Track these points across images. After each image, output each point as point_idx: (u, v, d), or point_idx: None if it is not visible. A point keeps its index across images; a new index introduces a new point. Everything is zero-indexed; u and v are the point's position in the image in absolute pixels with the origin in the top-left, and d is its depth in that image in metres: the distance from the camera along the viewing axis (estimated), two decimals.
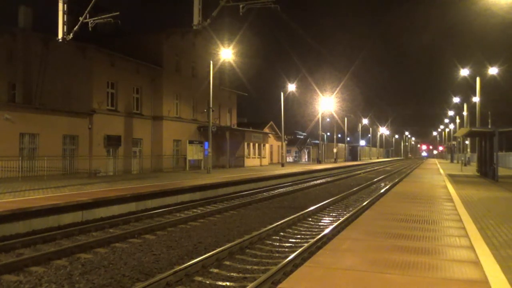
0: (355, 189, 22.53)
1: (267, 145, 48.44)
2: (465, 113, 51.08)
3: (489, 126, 43.26)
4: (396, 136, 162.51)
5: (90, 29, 16.68)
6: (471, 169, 35.50)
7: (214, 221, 13.01)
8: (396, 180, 28.09)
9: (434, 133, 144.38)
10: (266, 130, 51.11)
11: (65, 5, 15.44)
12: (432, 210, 10.46)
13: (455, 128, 68.52)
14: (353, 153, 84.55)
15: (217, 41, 30.88)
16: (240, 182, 22.57)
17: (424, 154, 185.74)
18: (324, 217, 13.98)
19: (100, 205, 13.53)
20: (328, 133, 79.00)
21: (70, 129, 25.60)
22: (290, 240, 10.39)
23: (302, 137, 72.86)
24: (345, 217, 13.01)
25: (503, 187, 17.85)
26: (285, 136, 48.86)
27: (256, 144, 44.81)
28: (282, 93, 44.17)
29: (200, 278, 7.24)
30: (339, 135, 74.96)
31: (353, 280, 4.83)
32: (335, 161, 65.11)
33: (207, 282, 7.07)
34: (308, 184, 26.39)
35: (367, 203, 15.85)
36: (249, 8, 18.05)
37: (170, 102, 34.10)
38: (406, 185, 19.36)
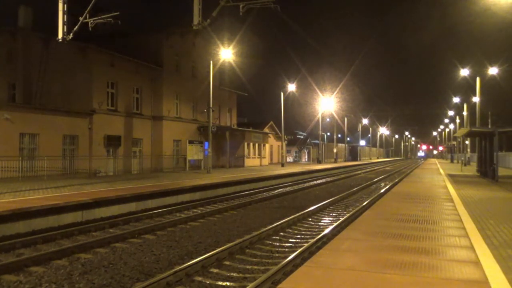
0: (355, 189, 22.53)
1: (267, 145, 48.43)
2: (465, 113, 51.09)
3: (489, 126, 43.29)
4: (396, 136, 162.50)
5: (90, 29, 16.68)
6: (471, 169, 35.49)
7: (214, 221, 13.01)
8: (396, 180, 28.09)
9: (434, 133, 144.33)
10: (266, 130, 51.11)
11: (65, 5, 15.43)
12: (432, 210, 10.46)
13: (455, 128, 68.54)
14: (353, 153, 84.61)
15: (217, 41, 30.87)
16: (240, 182, 22.57)
17: (420, 154, 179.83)
18: (324, 217, 13.98)
19: (100, 205, 13.52)
20: (328, 133, 79.01)
21: (70, 129, 25.59)
22: (290, 240, 10.39)
23: (302, 137, 72.86)
24: (345, 217, 13.01)
25: (503, 187, 17.84)
26: (285, 136, 48.85)
27: (256, 144, 44.80)
28: (282, 93, 44.20)
29: (200, 278, 7.24)
30: (339, 135, 74.94)
31: (353, 280, 4.83)
32: (335, 161, 65.10)
33: (207, 282, 7.07)
34: (308, 184, 26.39)
35: (367, 203, 15.85)
36: (249, 8, 18.05)
37: (170, 102, 34.10)
38: (406, 185, 19.36)
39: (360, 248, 6.33)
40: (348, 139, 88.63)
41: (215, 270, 7.68)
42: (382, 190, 21.73)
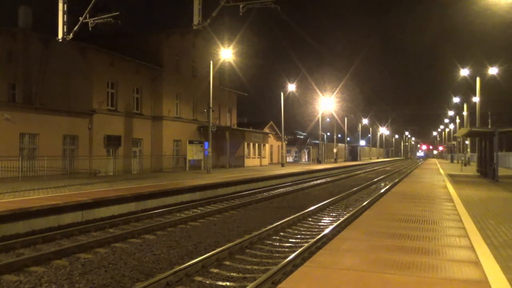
0: (355, 189, 22.53)
1: (267, 145, 48.43)
2: (465, 113, 51.10)
3: (489, 126, 43.30)
4: (396, 136, 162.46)
5: (90, 29, 16.68)
6: (471, 169, 35.48)
7: (214, 221, 13.01)
8: (396, 180, 28.08)
9: (434, 133, 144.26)
10: (266, 130, 51.11)
11: (65, 5, 15.44)
12: (432, 210, 10.45)
13: (455, 128, 68.54)
14: (353, 153, 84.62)
15: (217, 41, 30.89)
16: (240, 182, 22.56)
17: (420, 154, 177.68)
18: (324, 217, 13.98)
19: (100, 205, 13.52)
20: (328, 133, 79.04)
21: (70, 129, 25.59)
22: (290, 240, 10.39)
23: (302, 137, 72.91)
24: (345, 217, 13.01)
25: (503, 187, 17.84)
26: (285, 136, 48.86)
27: (256, 144, 44.80)
28: (282, 93, 44.20)
29: (200, 278, 7.24)
30: (339, 135, 74.97)
31: (353, 280, 4.83)
32: (335, 161, 65.10)
33: (207, 282, 7.07)
34: (308, 184, 26.39)
35: (367, 203, 15.85)
36: (249, 8, 18.06)
37: (170, 102, 34.11)
38: (406, 185, 19.36)
39: (360, 248, 6.33)
40: (348, 139, 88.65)
41: (215, 270, 7.68)
42: (382, 190, 21.72)
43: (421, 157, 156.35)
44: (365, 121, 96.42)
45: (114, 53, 28.94)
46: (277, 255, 8.93)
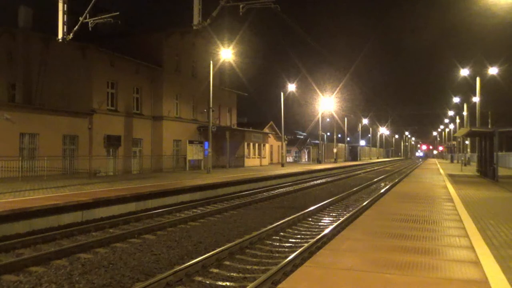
0: (355, 189, 22.53)
1: (267, 145, 48.42)
2: (465, 113, 51.13)
3: (489, 126, 43.31)
4: (396, 136, 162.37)
5: (90, 29, 16.69)
6: (471, 169, 35.48)
7: (214, 221, 13.01)
8: (396, 180, 28.09)
9: (434, 133, 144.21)
10: (266, 130, 51.09)
11: (65, 5, 15.44)
12: (432, 210, 10.45)
13: (455, 128, 68.55)
14: (353, 153, 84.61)
15: (217, 41, 30.89)
16: (240, 182, 22.56)
17: (419, 154, 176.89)
18: (324, 217, 13.98)
19: (100, 205, 13.53)
20: (328, 133, 79.03)
21: (70, 129, 25.60)
22: (290, 240, 10.39)
23: (302, 137, 72.91)
24: (345, 217, 13.01)
25: (503, 187, 17.84)
26: (285, 136, 48.84)
27: (256, 144, 44.79)
28: (282, 93, 44.18)
29: (200, 278, 7.24)
30: (339, 135, 74.95)
31: (353, 280, 4.83)
32: (335, 161, 65.09)
33: (207, 282, 7.07)
34: (308, 184, 26.39)
35: (367, 203, 15.85)
36: (249, 8, 18.06)
37: (170, 102, 34.11)
38: (406, 185, 19.35)
39: (360, 248, 6.33)
40: (348, 139, 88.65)
41: (215, 270, 7.68)
42: (382, 190, 21.72)
43: (421, 157, 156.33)
44: (365, 121, 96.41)
45: (114, 53, 28.94)
46: (277, 255, 8.93)
